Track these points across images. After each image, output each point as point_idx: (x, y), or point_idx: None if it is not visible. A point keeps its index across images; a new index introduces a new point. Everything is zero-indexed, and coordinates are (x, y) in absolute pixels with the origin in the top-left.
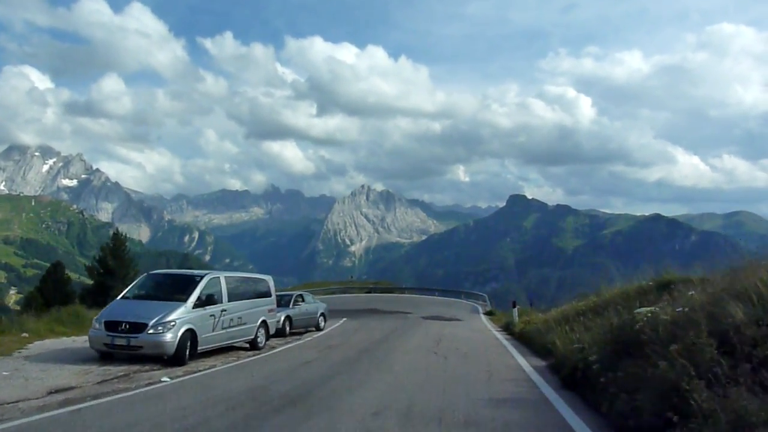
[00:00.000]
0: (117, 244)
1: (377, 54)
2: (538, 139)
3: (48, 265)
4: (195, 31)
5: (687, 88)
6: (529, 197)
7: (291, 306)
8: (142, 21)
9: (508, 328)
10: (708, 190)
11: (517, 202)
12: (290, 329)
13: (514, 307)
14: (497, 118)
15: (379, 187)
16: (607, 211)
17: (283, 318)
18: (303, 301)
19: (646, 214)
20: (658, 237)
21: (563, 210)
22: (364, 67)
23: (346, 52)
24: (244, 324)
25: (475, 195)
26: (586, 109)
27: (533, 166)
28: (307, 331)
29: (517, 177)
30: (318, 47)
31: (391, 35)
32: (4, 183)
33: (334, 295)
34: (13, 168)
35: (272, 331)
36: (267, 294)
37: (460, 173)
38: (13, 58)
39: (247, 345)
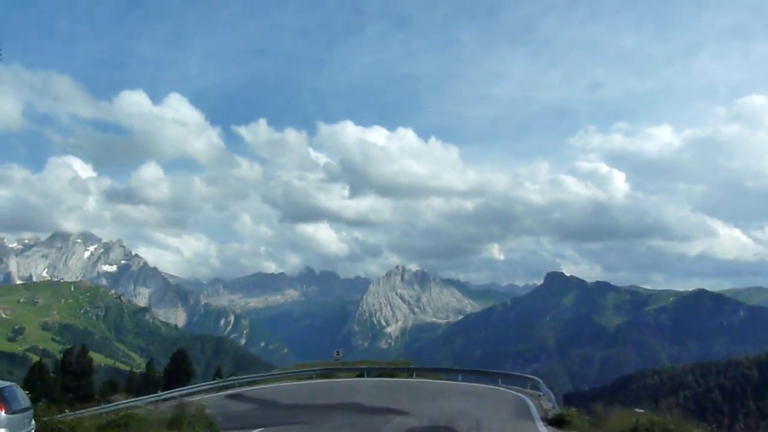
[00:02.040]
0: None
1: (407, 135)
2: (572, 215)
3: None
4: (230, 119)
5: (721, 160)
6: (567, 274)
7: None
8: (180, 111)
9: None
10: (752, 263)
11: (555, 279)
12: None
13: None
14: (530, 195)
15: (413, 267)
16: (648, 287)
17: None
18: None
19: (690, 289)
20: (703, 313)
21: (603, 287)
22: (395, 148)
23: (377, 135)
24: None
25: (511, 273)
26: (619, 183)
27: (569, 243)
28: None
29: (553, 254)
30: (349, 131)
31: (420, 117)
32: (46, 270)
33: (309, 381)
34: (55, 255)
35: None
36: None
37: (495, 251)
38: (57, 149)
39: None
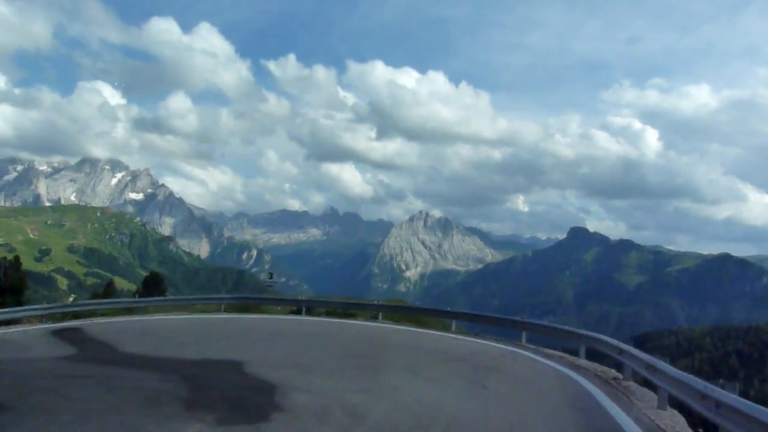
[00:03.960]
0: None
1: (438, 79)
2: (601, 170)
3: (108, 274)
4: (260, 53)
5: (759, 124)
6: (591, 230)
7: None
8: (210, 41)
9: None
10: None
11: (578, 234)
12: None
13: None
14: (559, 147)
15: (436, 213)
16: (672, 248)
17: None
18: None
19: (714, 253)
20: (726, 278)
21: (626, 245)
22: (425, 92)
23: (407, 77)
24: None
25: (535, 226)
26: (652, 141)
27: (595, 199)
28: None
29: (579, 209)
30: (379, 71)
31: (452, 61)
32: (74, 194)
33: (211, 315)
34: (84, 180)
35: None
36: None
37: (520, 203)
38: (86, 73)
39: None
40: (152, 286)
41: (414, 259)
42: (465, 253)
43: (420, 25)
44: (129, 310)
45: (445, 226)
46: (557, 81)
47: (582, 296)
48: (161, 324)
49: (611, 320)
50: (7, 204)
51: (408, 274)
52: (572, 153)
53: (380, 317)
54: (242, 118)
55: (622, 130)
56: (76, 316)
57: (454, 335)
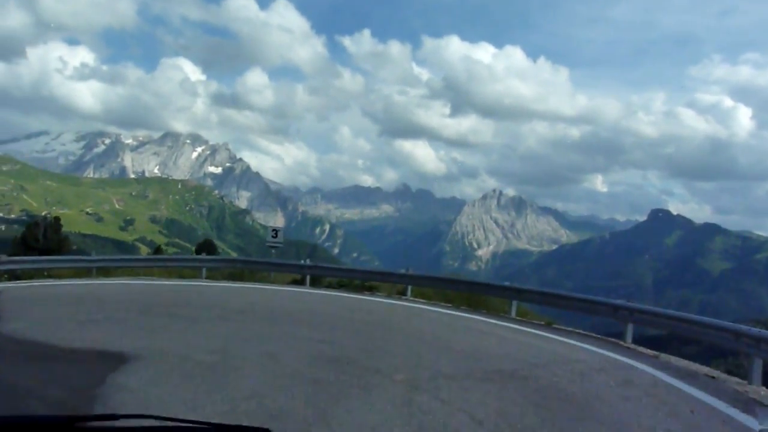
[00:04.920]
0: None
1: (515, 54)
2: (686, 151)
3: (188, 245)
4: (335, 29)
5: None
6: (674, 213)
7: None
8: (286, 17)
9: None
10: None
11: (660, 217)
12: None
13: None
14: (642, 126)
15: (510, 192)
16: (763, 233)
17: None
18: None
19: None
20: None
21: (711, 229)
22: (501, 67)
23: (483, 52)
24: None
25: (613, 207)
26: (744, 120)
27: (679, 180)
28: None
29: (661, 191)
30: (455, 46)
31: (530, 36)
32: (158, 167)
33: (202, 282)
34: (166, 153)
35: None
36: None
37: (598, 183)
38: (168, 50)
39: None
40: (205, 252)
41: (486, 238)
42: (539, 233)
43: None
44: (105, 272)
45: (518, 205)
46: (641, 56)
47: (661, 281)
48: (96, 291)
49: (692, 307)
50: (96, 175)
51: (479, 252)
52: (656, 132)
53: (409, 293)
54: (317, 94)
55: (710, 108)
56: (30, 276)
57: (512, 324)
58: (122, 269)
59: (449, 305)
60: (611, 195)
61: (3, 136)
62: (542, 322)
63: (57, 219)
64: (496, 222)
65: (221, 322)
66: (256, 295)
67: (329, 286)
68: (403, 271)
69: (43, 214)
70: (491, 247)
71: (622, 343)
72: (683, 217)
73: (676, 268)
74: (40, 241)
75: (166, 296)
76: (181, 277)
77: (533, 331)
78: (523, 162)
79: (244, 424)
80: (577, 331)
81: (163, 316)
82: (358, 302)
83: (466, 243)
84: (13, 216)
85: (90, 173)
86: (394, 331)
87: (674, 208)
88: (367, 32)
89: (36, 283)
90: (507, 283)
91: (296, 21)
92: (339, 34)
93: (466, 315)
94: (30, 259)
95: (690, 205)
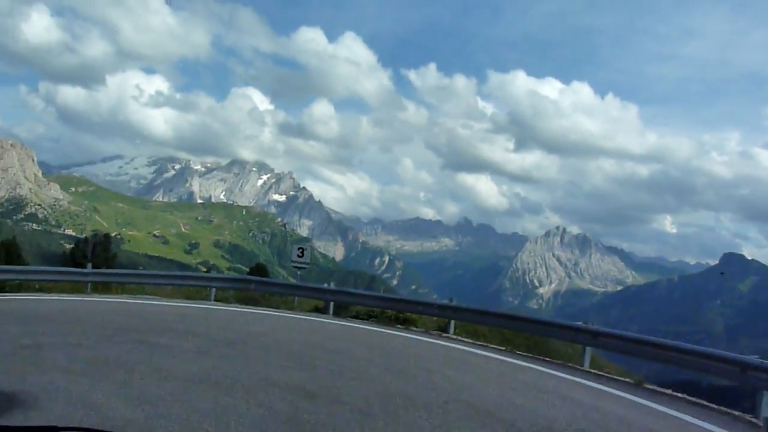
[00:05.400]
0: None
1: (582, 90)
2: (762, 192)
3: (247, 270)
4: (401, 62)
5: None
6: (748, 257)
7: None
8: (354, 50)
9: None
10: None
11: (733, 261)
12: None
13: None
14: (715, 166)
15: (574, 230)
16: None
17: None
18: None
19: None
20: None
21: None
22: (568, 103)
23: (550, 88)
24: None
25: (682, 249)
26: None
27: (754, 223)
28: None
29: (734, 234)
30: (520, 81)
31: (598, 73)
32: (224, 193)
33: (204, 305)
34: (233, 180)
35: None
36: None
37: (667, 224)
38: (239, 80)
39: None
40: (258, 275)
41: (548, 276)
42: (603, 273)
43: (566, 35)
44: (106, 288)
45: (582, 243)
46: (715, 94)
47: (734, 329)
48: (69, 309)
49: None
50: (165, 199)
51: (541, 290)
52: (729, 172)
53: (452, 329)
54: (381, 126)
55: None
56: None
57: (588, 381)
58: (125, 286)
59: (502, 348)
60: (681, 236)
61: (81, 158)
62: (629, 380)
63: (107, 236)
64: (558, 260)
65: (195, 356)
66: (259, 324)
67: (356, 316)
68: (445, 301)
69: (113, 234)
70: (553, 286)
71: (755, 420)
72: (758, 262)
73: (750, 316)
74: (88, 257)
75: (149, 319)
76: (187, 297)
77: (620, 393)
78: (588, 199)
79: None
80: (687, 397)
81: (127, 343)
82: (384, 339)
83: (527, 280)
84: (84, 236)
85: (159, 197)
86: (420, 386)
87: (749, 252)
88: (432, 66)
89: (14, 296)
90: (580, 323)
91: (363, 54)
92: (405, 67)
93: (524, 364)
94: (16, 268)
95: (766, 250)
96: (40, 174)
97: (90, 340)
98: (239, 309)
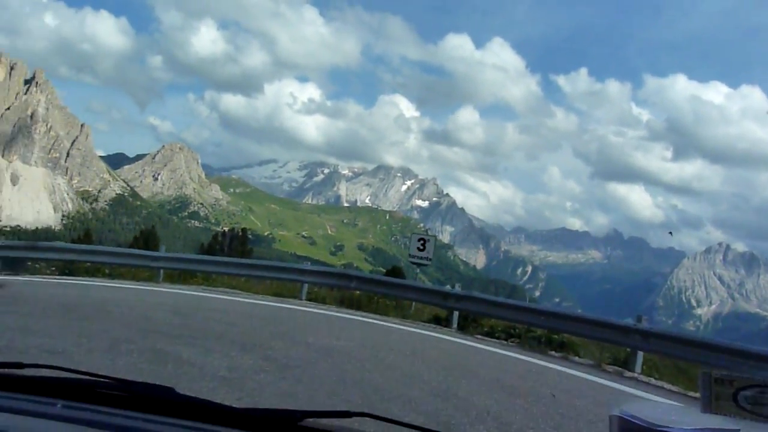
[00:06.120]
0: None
1: (753, 95)
2: None
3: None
4: (550, 67)
5: None
6: None
7: None
8: (501, 56)
9: None
10: None
11: None
12: None
13: None
14: None
15: (740, 247)
16: None
17: None
18: None
19: None
20: None
21: None
22: (736, 109)
23: (714, 92)
24: None
25: None
26: None
27: None
28: None
29: None
30: (681, 86)
31: None
32: (369, 198)
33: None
34: (378, 185)
35: None
36: None
37: None
38: (387, 87)
39: None
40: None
41: (708, 296)
42: None
43: (734, 35)
44: (183, 277)
45: (750, 262)
46: None
47: None
48: (127, 298)
49: None
50: (314, 202)
51: (699, 311)
52: None
53: (638, 365)
54: (527, 133)
55: None
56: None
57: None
58: (203, 276)
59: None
60: None
61: (239, 161)
62: None
63: (244, 231)
64: (720, 279)
65: (213, 383)
66: (346, 338)
67: (490, 334)
68: (630, 322)
69: (265, 234)
70: (714, 307)
71: None
72: None
73: None
74: (225, 250)
75: (205, 318)
76: (277, 295)
77: None
78: (757, 214)
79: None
80: None
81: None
82: (539, 378)
83: (684, 299)
84: (223, 229)
85: (308, 199)
86: None
87: None
88: (584, 71)
89: (68, 280)
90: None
91: (511, 60)
92: (554, 72)
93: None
94: (76, 247)
95: None
96: (203, 175)
97: (132, 335)
98: (331, 313)
